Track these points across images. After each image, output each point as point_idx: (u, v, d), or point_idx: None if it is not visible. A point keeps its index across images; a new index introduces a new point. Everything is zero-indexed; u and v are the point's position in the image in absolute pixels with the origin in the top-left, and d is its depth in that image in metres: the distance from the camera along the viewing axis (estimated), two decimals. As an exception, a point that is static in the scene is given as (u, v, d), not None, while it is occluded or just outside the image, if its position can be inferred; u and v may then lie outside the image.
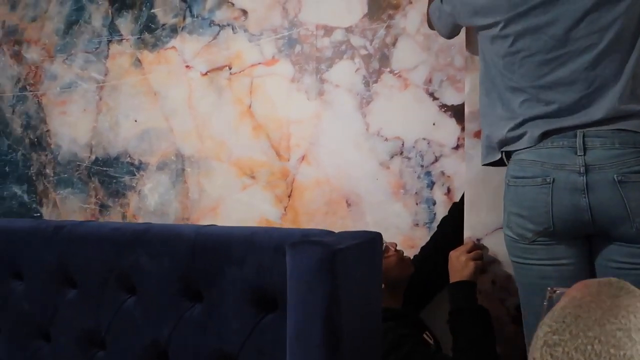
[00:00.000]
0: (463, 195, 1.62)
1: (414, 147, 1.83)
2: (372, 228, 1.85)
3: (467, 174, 1.59)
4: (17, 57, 2.38)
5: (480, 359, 1.40)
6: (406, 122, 1.84)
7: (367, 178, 1.88)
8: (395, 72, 1.85)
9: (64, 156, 2.30)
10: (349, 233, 1.14)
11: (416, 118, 1.83)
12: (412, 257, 1.69)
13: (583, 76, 1.20)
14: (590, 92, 1.20)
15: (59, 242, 1.29)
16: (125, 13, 2.19)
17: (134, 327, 1.20)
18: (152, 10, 2.15)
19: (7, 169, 2.40)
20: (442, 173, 1.80)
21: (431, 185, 1.81)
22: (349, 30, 1.90)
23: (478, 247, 1.55)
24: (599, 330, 0.58)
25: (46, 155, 2.33)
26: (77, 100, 2.28)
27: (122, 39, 2.20)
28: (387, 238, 1.70)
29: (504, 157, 1.32)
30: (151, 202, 2.16)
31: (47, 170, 2.33)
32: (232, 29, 2.05)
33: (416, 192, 1.82)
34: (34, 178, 2.35)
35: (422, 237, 1.79)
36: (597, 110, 1.19)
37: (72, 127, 2.29)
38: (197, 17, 2.09)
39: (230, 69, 2.05)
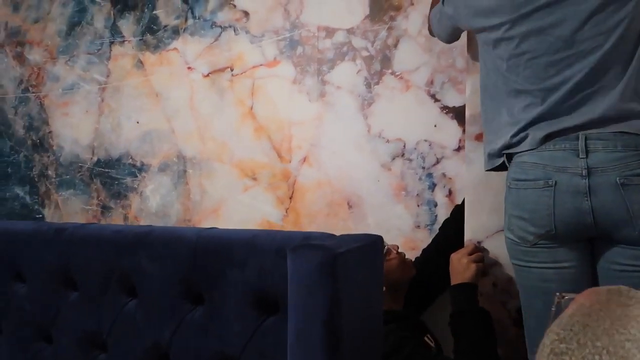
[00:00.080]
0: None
1: (415, 148, 1.82)
2: (373, 230, 1.85)
3: (467, 177, 1.59)
4: (20, 58, 2.38)
5: (481, 361, 1.40)
6: (407, 124, 1.84)
7: (369, 180, 1.88)
8: (397, 73, 1.85)
9: (66, 157, 2.31)
10: (350, 236, 1.14)
11: (417, 120, 1.82)
12: (413, 260, 1.69)
13: (589, 77, 1.19)
14: (592, 92, 1.19)
15: (60, 244, 1.29)
16: (127, 14, 2.20)
17: (135, 330, 1.20)
18: (154, 12, 2.15)
19: (9, 170, 2.40)
20: (444, 175, 1.80)
21: (432, 187, 1.81)
22: (350, 31, 1.90)
23: (479, 249, 1.55)
24: (607, 341, 0.57)
25: (48, 157, 2.34)
26: (79, 101, 2.28)
27: (124, 41, 2.20)
28: (388, 240, 1.70)
29: (505, 159, 1.32)
30: (153, 204, 2.16)
31: (49, 172, 2.33)
32: (234, 31, 2.05)
33: (417, 194, 1.82)
34: (36, 179, 2.36)
35: (424, 239, 1.79)
36: (597, 108, 1.18)
37: (74, 129, 2.29)
38: (198, 18, 2.09)
39: (232, 70, 2.05)
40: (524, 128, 1.25)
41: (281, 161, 1.99)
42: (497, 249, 1.54)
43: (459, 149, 1.77)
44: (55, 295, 1.29)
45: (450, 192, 1.79)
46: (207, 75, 2.08)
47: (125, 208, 2.20)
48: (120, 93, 2.21)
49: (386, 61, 1.86)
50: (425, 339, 1.50)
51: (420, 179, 1.82)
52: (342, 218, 1.91)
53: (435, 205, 1.80)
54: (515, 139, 1.26)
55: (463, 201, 1.64)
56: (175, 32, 2.12)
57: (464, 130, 1.71)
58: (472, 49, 1.55)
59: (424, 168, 1.82)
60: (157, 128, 2.15)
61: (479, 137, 1.58)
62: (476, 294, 1.49)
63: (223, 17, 2.06)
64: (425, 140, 1.81)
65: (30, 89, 2.37)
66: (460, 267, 1.49)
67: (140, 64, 2.18)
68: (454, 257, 1.52)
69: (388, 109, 1.86)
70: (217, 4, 2.07)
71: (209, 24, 2.08)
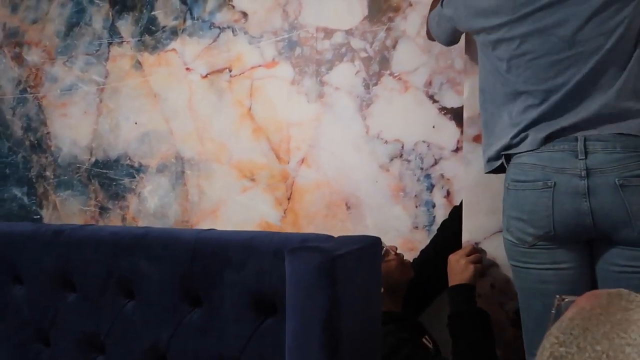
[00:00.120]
0: (463, 198, 1.62)
1: (413, 149, 1.83)
2: (371, 231, 1.85)
3: (465, 179, 1.59)
4: (18, 59, 2.38)
5: (479, 362, 1.40)
6: (406, 125, 1.84)
7: (367, 181, 1.88)
8: (395, 74, 1.85)
9: (64, 158, 2.30)
10: (349, 238, 1.14)
11: (416, 121, 1.83)
12: (411, 261, 1.69)
13: (588, 77, 1.19)
14: (591, 91, 1.20)
15: (58, 246, 1.29)
16: (125, 15, 2.20)
17: (133, 331, 1.20)
18: (153, 13, 2.15)
19: (7, 171, 2.40)
20: (442, 176, 1.80)
21: (431, 188, 1.81)
22: (349, 32, 1.90)
23: (477, 250, 1.55)
24: (607, 345, 0.57)
25: (46, 158, 2.34)
26: (78, 102, 2.28)
27: (122, 41, 2.20)
28: (386, 241, 1.70)
29: (503, 160, 1.32)
30: (151, 205, 2.16)
31: (47, 173, 2.33)
32: (233, 32, 2.05)
33: (416, 195, 1.82)
34: (34, 180, 2.36)
35: (422, 239, 1.79)
36: (593, 105, 1.19)
37: (72, 130, 2.29)
38: (197, 19, 2.09)
39: (230, 71, 2.05)
40: (524, 129, 1.25)
41: (280, 162, 1.99)
42: (495, 250, 1.54)
43: (457, 150, 1.77)
44: (53, 297, 1.28)
45: (448, 193, 1.79)
46: (206, 76, 2.08)
47: (123, 209, 2.20)
48: (118, 94, 2.21)
49: (385, 62, 1.86)
50: (424, 340, 1.50)
51: (418, 180, 1.82)
52: (341, 219, 1.91)
53: (434, 206, 1.80)
54: (515, 140, 1.26)
55: (461, 202, 1.64)
56: (174, 33, 2.12)
57: (462, 131, 1.71)
58: (471, 50, 1.55)
59: (422, 169, 1.82)
60: (155, 129, 2.15)
61: (476, 139, 1.58)
62: (474, 295, 1.49)
63: (222, 18, 2.06)
64: (424, 141, 1.82)
65: (28, 89, 2.37)
66: (459, 268, 1.50)
67: (138, 64, 2.18)
68: (452, 258, 1.53)
69: (386, 110, 1.86)
70: (215, 5, 2.07)
71: (208, 24, 2.08)
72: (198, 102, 2.09)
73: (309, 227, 1.93)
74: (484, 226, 1.55)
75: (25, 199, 2.37)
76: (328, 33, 1.93)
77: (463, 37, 1.54)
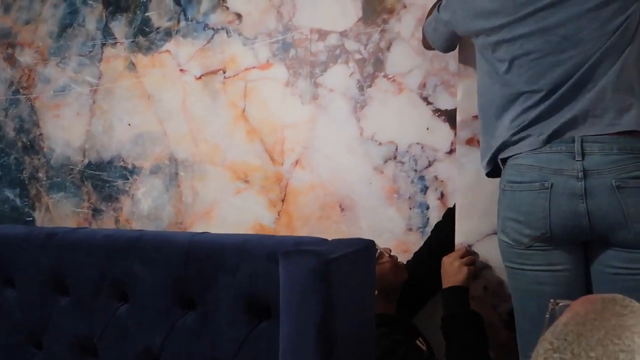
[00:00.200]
0: (456, 200, 1.63)
1: (407, 151, 1.83)
2: (366, 233, 1.85)
3: (458, 181, 1.59)
4: (11, 60, 2.37)
5: (473, 364, 1.40)
6: (400, 127, 1.84)
7: (361, 182, 1.88)
8: (390, 76, 1.85)
9: (57, 160, 2.29)
10: (343, 241, 1.14)
11: (410, 123, 1.83)
12: (405, 262, 1.69)
13: (587, 75, 1.20)
14: (587, 88, 1.20)
15: (51, 249, 1.28)
16: (119, 16, 2.19)
17: (126, 335, 1.19)
18: (147, 14, 2.14)
19: (-1, 172, 2.39)
20: (436, 178, 1.80)
21: (425, 189, 1.81)
22: (343, 34, 1.90)
23: (470, 252, 1.56)
24: (601, 351, 0.57)
25: (39, 159, 2.32)
26: (71, 103, 2.27)
27: (116, 42, 2.19)
28: (380, 243, 1.70)
29: (499, 162, 1.32)
30: (144, 207, 2.15)
31: (40, 174, 2.32)
32: (227, 33, 2.04)
33: (410, 197, 1.83)
34: (26, 182, 2.34)
35: (416, 241, 1.79)
36: (589, 100, 1.19)
37: (65, 131, 2.28)
38: (191, 20, 2.09)
39: (224, 72, 2.05)
40: (522, 129, 1.25)
41: (274, 164, 1.98)
42: (488, 252, 1.54)
43: (451, 152, 1.78)
44: (46, 301, 1.28)
45: (442, 195, 1.79)
46: (200, 77, 2.08)
47: (117, 211, 2.19)
48: (112, 95, 2.20)
49: (379, 64, 1.86)
50: (417, 342, 1.51)
51: (412, 181, 1.82)
52: (335, 221, 1.91)
53: (428, 208, 1.81)
54: (513, 140, 1.26)
55: (455, 204, 1.65)
56: (168, 34, 2.12)
57: (456, 133, 1.71)
58: (465, 52, 1.56)
59: (416, 171, 1.82)
60: (149, 130, 2.14)
61: (470, 142, 1.59)
62: (468, 297, 1.50)
63: (216, 19, 2.06)
64: (418, 143, 1.82)
65: (21, 90, 2.35)
66: (452, 270, 1.50)
67: (132, 65, 2.17)
68: (446, 260, 1.53)
69: (381, 112, 1.86)
70: (209, 6, 2.06)
71: (202, 26, 2.07)
72: (192, 104, 2.09)
73: (303, 229, 1.93)
74: (477, 229, 1.56)
75: (18, 201, 2.36)
76: (322, 35, 1.93)
77: (457, 39, 1.55)
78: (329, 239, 1.18)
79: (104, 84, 2.22)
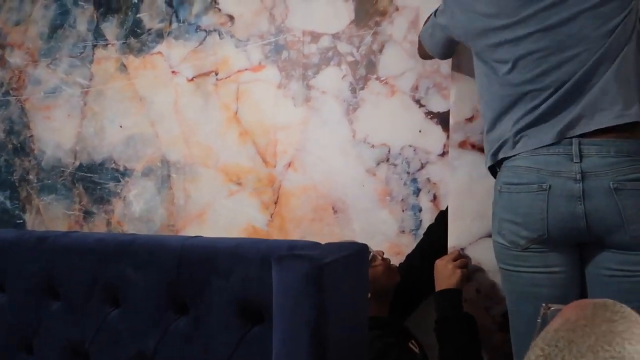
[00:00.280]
0: (449, 203, 1.63)
1: (400, 154, 1.83)
2: (358, 235, 1.85)
3: (451, 184, 1.60)
4: (1, 61, 2.34)
5: (466, 367, 1.41)
6: (392, 129, 1.84)
7: (354, 185, 1.88)
8: (382, 78, 1.85)
9: (47, 162, 2.28)
10: (335, 245, 1.14)
11: (402, 125, 1.83)
12: (397, 265, 1.69)
13: (587, 74, 1.20)
14: (587, 86, 1.21)
15: (42, 253, 1.27)
16: (110, 17, 2.18)
17: (118, 339, 1.19)
18: (138, 15, 2.13)
19: (-11, 174, 2.37)
20: (428, 180, 1.81)
21: (417, 192, 1.81)
22: (335, 36, 1.90)
23: (463, 255, 1.56)
24: (592, 358, 0.57)
25: (29, 161, 2.31)
26: (62, 105, 2.25)
27: (107, 44, 2.18)
28: (373, 245, 1.70)
29: (497, 163, 1.32)
30: (136, 209, 2.14)
31: (31, 176, 2.30)
32: (219, 35, 2.04)
33: (402, 199, 1.83)
34: (17, 184, 2.32)
35: (408, 244, 1.80)
36: (589, 99, 1.20)
37: (56, 133, 2.26)
38: (183, 22, 2.08)
39: (216, 74, 2.04)
40: (528, 127, 1.24)
41: (266, 166, 1.98)
42: (481, 255, 1.55)
43: (443, 154, 1.78)
44: (36, 305, 1.27)
45: (434, 197, 1.80)
46: (192, 79, 2.07)
47: (108, 213, 2.18)
48: (103, 97, 2.19)
49: (371, 66, 1.86)
50: (410, 344, 1.51)
51: (405, 184, 1.83)
52: (327, 223, 1.91)
53: (420, 210, 1.81)
54: (517, 138, 1.26)
55: (447, 207, 1.65)
56: (160, 35, 2.11)
57: (448, 136, 1.72)
58: (458, 55, 1.56)
59: (408, 173, 1.82)
60: (140, 132, 2.13)
61: (462, 145, 1.59)
62: (461, 299, 1.50)
63: (208, 21, 2.05)
64: (410, 146, 1.82)
65: (11, 92, 2.33)
66: (446, 272, 1.50)
67: (123, 67, 2.16)
68: (439, 263, 1.53)
69: (373, 114, 1.86)
70: (201, 8, 2.06)
71: (194, 27, 2.06)
72: (184, 106, 2.08)
73: (295, 232, 1.93)
74: (470, 231, 1.56)
75: (8, 203, 2.34)
76: (315, 37, 1.93)
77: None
78: (322, 241, 1.18)
79: (95, 86, 2.20)
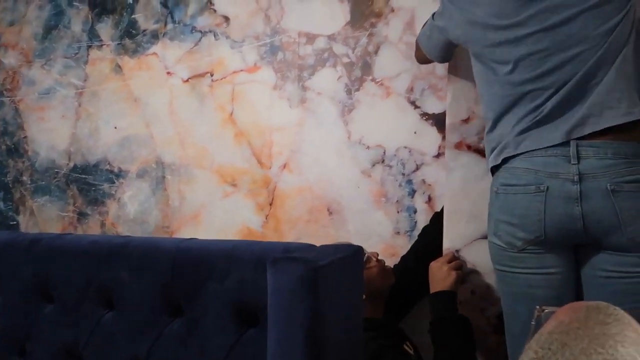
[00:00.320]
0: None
1: (395, 155, 1.83)
2: (353, 236, 1.85)
3: (447, 186, 1.60)
4: (-6, 61, 2.34)
5: (460, 369, 1.41)
6: (388, 130, 1.84)
7: (349, 186, 1.88)
8: (377, 80, 1.85)
9: (41, 163, 2.26)
10: (331, 247, 1.14)
11: (398, 126, 1.83)
12: (392, 266, 1.69)
13: (588, 75, 1.21)
14: (587, 88, 1.21)
15: (36, 255, 1.27)
16: (105, 18, 2.17)
17: (112, 343, 1.18)
18: (133, 16, 2.13)
19: (-18, 176, 2.36)
20: (423, 181, 1.81)
21: (412, 193, 1.81)
22: (331, 38, 1.90)
23: (457, 257, 1.56)
24: None
25: (23, 162, 2.29)
26: (56, 106, 2.24)
27: (102, 45, 2.17)
28: (368, 246, 1.71)
29: (496, 164, 1.32)
30: (131, 210, 2.13)
31: (24, 178, 2.29)
32: (214, 36, 2.03)
33: (397, 201, 1.83)
34: (10, 185, 2.31)
35: (403, 245, 1.80)
36: (588, 101, 1.20)
37: (50, 134, 2.25)
38: (178, 23, 2.07)
39: (212, 75, 2.03)
40: (531, 128, 1.25)
41: (261, 167, 1.98)
42: (476, 256, 1.55)
43: (438, 155, 1.78)
44: (30, 308, 1.26)
45: (429, 199, 1.80)
46: (187, 80, 2.06)
47: (103, 215, 2.17)
48: (98, 98, 2.18)
49: (367, 68, 1.86)
50: (405, 346, 1.51)
51: (400, 185, 1.83)
52: (323, 224, 1.90)
53: (415, 211, 1.81)
54: (519, 138, 1.26)
55: (442, 208, 1.65)
56: (155, 36, 2.10)
57: (443, 137, 1.72)
58: (454, 57, 1.55)
59: (403, 174, 1.82)
60: (135, 133, 2.13)
61: (459, 146, 1.59)
62: (456, 301, 1.50)
63: (203, 22, 2.05)
64: (405, 147, 1.82)
65: (5, 92, 2.32)
66: (441, 274, 1.50)
67: (118, 68, 2.15)
68: (434, 265, 1.53)
69: (368, 116, 1.86)
70: (197, 9, 2.05)
71: (189, 28, 2.06)
72: (179, 107, 2.07)
73: (290, 233, 1.93)
74: (465, 233, 1.57)
75: (2, 205, 2.33)
76: (310, 38, 1.93)
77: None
78: (317, 242, 1.17)
79: (89, 87, 2.19)
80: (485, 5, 1.29)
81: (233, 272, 1.11)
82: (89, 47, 2.19)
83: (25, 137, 2.29)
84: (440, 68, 1.75)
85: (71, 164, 2.22)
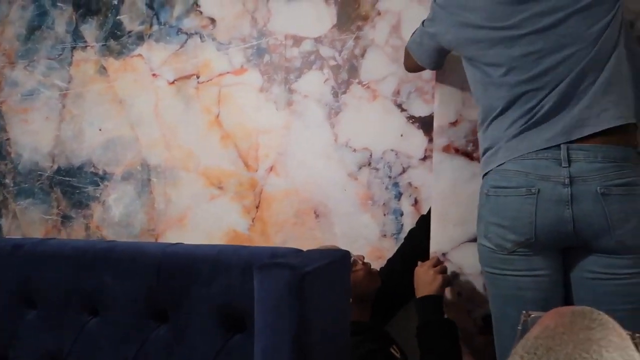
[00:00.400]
0: (431, 207, 1.63)
1: (382, 158, 1.83)
2: (340, 239, 1.85)
3: (434, 189, 1.60)
4: (-24, 62, 2.30)
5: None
6: (374, 133, 1.84)
7: (336, 189, 1.88)
8: (364, 83, 1.86)
9: (24, 165, 2.23)
10: (317, 252, 1.14)
11: (384, 129, 1.83)
12: (378, 269, 1.69)
13: (578, 78, 1.22)
14: (577, 91, 1.22)
15: (18, 260, 1.25)
16: (90, 19, 2.14)
17: (97, 349, 1.17)
18: (118, 17, 2.11)
19: (-36, 178, 2.32)
20: (410, 184, 1.81)
21: (399, 196, 1.82)
22: (318, 40, 1.90)
23: (442, 261, 1.57)
24: None
25: (6, 165, 2.26)
26: (39, 107, 2.21)
27: (86, 46, 2.15)
28: (355, 249, 1.71)
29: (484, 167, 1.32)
30: (116, 213, 2.11)
31: (7, 180, 2.26)
32: (200, 38, 2.02)
33: (384, 203, 1.83)
34: (-7, 188, 2.28)
35: (390, 248, 1.80)
36: (578, 105, 1.21)
37: (33, 136, 2.22)
38: (164, 24, 2.06)
39: (198, 77, 2.02)
40: (528, 129, 1.25)
41: (248, 170, 1.97)
42: (463, 259, 1.56)
43: (424, 158, 1.79)
44: (12, 314, 1.24)
45: (416, 201, 1.80)
46: (173, 82, 2.05)
47: (87, 218, 2.15)
48: (82, 99, 2.16)
49: (353, 71, 1.87)
50: (392, 350, 1.51)
51: (386, 188, 1.83)
52: (309, 227, 1.90)
53: (402, 214, 1.82)
54: (515, 140, 1.26)
55: (429, 211, 1.66)
56: (140, 38, 2.08)
57: (430, 140, 1.73)
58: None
59: (390, 177, 1.83)
60: (120, 135, 2.11)
61: (446, 149, 1.60)
62: (442, 305, 1.50)
63: (189, 23, 2.03)
64: (392, 150, 1.83)
65: (-13, 94, 2.29)
66: (427, 278, 1.50)
67: (103, 69, 2.13)
68: (419, 270, 1.54)
69: (355, 119, 1.86)
70: (183, 10, 2.04)
71: (175, 30, 2.05)
72: (165, 109, 2.06)
73: (277, 236, 1.92)
74: (452, 236, 1.57)
75: (-16, 208, 2.29)
76: (297, 41, 1.92)
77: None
78: (304, 245, 1.17)
79: (74, 88, 2.17)
80: (477, 9, 1.29)
81: (219, 277, 1.10)
82: (73, 48, 2.16)
83: (8, 139, 2.26)
84: (427, 71, 1.75)
85: (55, 167, 2.19)
